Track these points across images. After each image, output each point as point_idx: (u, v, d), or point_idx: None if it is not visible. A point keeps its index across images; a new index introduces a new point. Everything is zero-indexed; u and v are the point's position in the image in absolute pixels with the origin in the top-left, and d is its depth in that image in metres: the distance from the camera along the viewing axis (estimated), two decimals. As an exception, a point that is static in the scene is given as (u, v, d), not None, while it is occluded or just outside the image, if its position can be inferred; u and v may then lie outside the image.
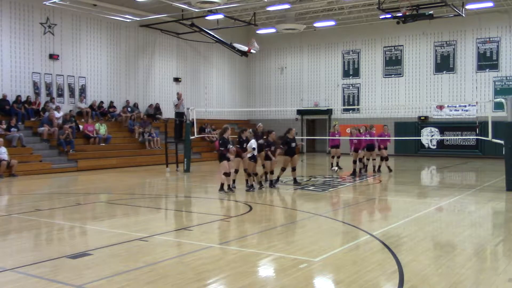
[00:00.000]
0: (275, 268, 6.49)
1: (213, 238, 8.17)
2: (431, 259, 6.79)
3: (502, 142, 13.71)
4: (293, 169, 14.61)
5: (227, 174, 12.91)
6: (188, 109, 19.98)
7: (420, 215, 10.33)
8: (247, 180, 13.61)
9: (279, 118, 32.91)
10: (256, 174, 13.83)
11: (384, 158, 18.58)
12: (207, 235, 8.39)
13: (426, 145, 28.05)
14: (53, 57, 22.59)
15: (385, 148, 18.85)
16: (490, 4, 23.72)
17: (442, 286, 5.63)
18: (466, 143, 26.88)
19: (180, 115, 20.08)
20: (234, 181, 13.73)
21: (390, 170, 18.59)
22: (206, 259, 6.73)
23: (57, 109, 22.03)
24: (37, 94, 22.02)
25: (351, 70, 30.77)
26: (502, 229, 9.27)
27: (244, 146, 13.18)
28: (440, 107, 27.57)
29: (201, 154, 25.52)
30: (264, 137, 14.21)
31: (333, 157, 19.51)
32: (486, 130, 15.74)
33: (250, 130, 14.20)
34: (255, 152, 13.37)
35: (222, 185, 13.09)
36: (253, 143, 13.26)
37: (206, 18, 25.40)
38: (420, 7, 22.36)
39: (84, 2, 22.44)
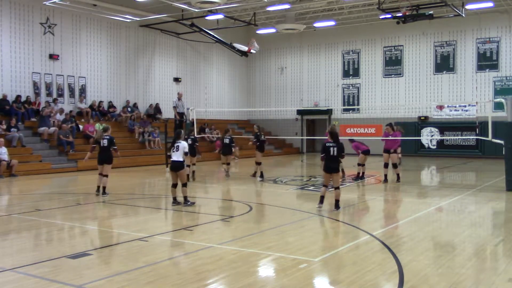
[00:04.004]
0: (275, 268, 6.49)
1: (213, 238, 8.16)
2: (431, 259, 6.79)
3: (502, 142, 13.71)
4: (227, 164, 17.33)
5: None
6: (188, 109, 19.97)
7: (420, 215, 10.34)
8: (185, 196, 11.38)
9: (279, 118, 32.93)
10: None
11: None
12: (207, 235, 8.39)
13: (426, 145, 28.04)
14: (53, 57, 22.59)
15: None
16: (490, 4, 23.72)
17: (442, 286, 5.63)
18: (466, 143, 26.88)
19: (180, 115, 20.09)
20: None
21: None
22: (206, 259, 6.73)
23: (61, 111, 22.00)
24: (37, 94, 22.02)
25: (351, 70, 30.76)
26: (502, 229, 9.26)
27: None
28: (440, 107, 27.53)
29: (201, 154, 25.49)
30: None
31: None
32: (486, 130, 15.72)
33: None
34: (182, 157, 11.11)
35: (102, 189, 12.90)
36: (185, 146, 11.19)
37: (206, 18, 25.40)
38: (420, 7, 22.37)
39: (84, 2, 22.44)
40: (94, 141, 13.28)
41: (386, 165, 15.68)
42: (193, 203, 11.17)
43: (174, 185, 11.18)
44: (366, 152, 16.29)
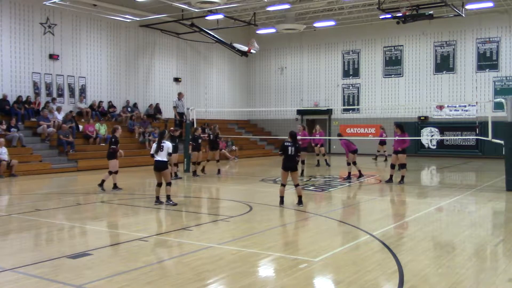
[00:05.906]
0: (275, 268, 6.49)
1: (213, 238, 8.16)
2: (431, 259, 6.79)
3: (502, 142, 13.71)
4: (197, 163, 17.81)
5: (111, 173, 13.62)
6: (188, 109, 19.98)
7: (420, 215, 10.33)
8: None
9: (279, 118, 32.92)
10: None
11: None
12: (207, 235, 8.39)
13: (426, 145, 28.04)
14: (53, 57, 22.58)
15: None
16: (490, 4, 23.71)
17: (442, 286, 5.63)
18: (466, 143, 26.88)
19: (180, 115, 20.10)
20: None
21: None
22: (206, 259, 6.73)
23: (58, 109, 22.03)
24: (37, 94, 22.01)
25: (351, 70, 30.76)
26: (502, 229, 9.27)
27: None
28: (440, 107, 27.57)
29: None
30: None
31: (317, 154, 21.72)
32: (486, 130, 15.73)
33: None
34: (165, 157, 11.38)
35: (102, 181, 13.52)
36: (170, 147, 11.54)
37: (206, 18, 25.39)
38: (420, 7, 22.36)
39: (84, 2, 22.43)
40: None
41: (392, 166, 15.73)
42: (175, 204, 11.17)
43: (159, 184, 11.41)
44: (355, 152, 16.58)
